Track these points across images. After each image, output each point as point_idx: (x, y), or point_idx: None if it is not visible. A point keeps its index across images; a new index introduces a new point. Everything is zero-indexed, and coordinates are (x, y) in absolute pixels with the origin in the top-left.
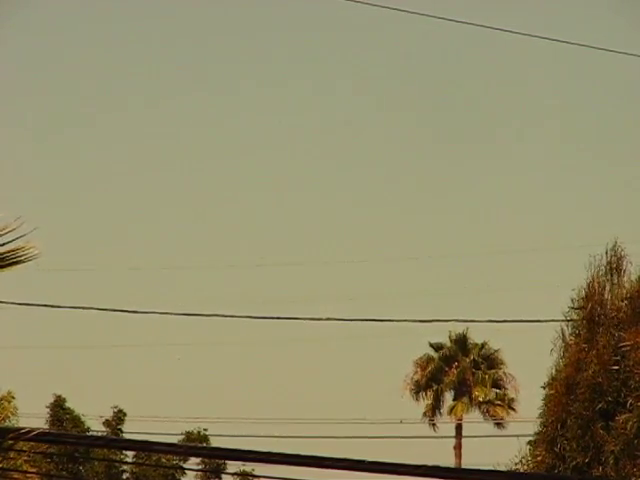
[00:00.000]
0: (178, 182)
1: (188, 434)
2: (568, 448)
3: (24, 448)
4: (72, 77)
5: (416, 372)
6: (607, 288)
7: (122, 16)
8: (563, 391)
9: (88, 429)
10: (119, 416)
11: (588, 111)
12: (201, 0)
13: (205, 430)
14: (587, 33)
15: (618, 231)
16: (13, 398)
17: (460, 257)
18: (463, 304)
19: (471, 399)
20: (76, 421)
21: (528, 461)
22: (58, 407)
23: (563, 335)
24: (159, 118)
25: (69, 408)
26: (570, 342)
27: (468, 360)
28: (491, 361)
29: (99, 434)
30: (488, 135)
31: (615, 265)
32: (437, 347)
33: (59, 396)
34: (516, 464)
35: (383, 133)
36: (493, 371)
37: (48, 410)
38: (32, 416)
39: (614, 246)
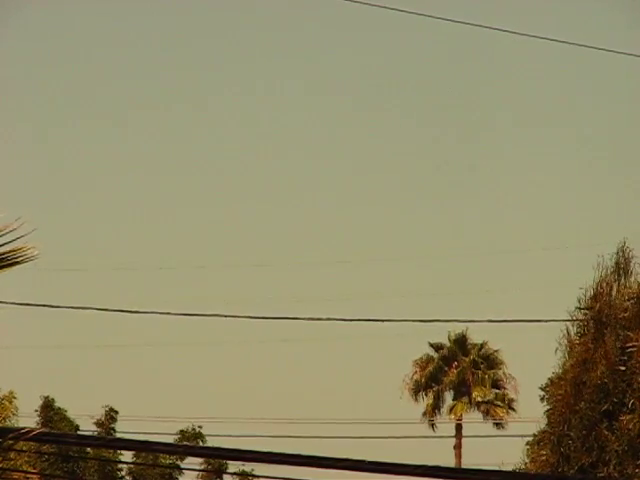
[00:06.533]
0: (178, 182)
1: (182, 432)
2: (573, 448)
3: (24, 448)
4: (72, 78)
5: (416, 372)
6: (614, 289)
7: (121, 16)
8: (570, 391)
9: (77, 427)
10: (111, 415)
11: (590, 111)
12: (199, 1)
13: (200, 427)
14: (587, 33)
15: (625, 233)
16: (15, 398)
17: (460, 257)
18: (463, 304)
19: (470, 399)
20: (66, 421)
21: (531, 461)
22: (48, 408)
23: (568, 334)
24: (158, 119)
25: (59, 408)
26: (575, 342)
27: (468, 360)
28: (491, 361)
29: (95, 434)
30: (490, 135)
31: (622, 266)
32: (437, 347)
33: (47, 397)
34: (525, 464)
35: (383, 133)
36: (493, 371)
37: (37, 412)
38: (33, 416)
39: (622, 247)
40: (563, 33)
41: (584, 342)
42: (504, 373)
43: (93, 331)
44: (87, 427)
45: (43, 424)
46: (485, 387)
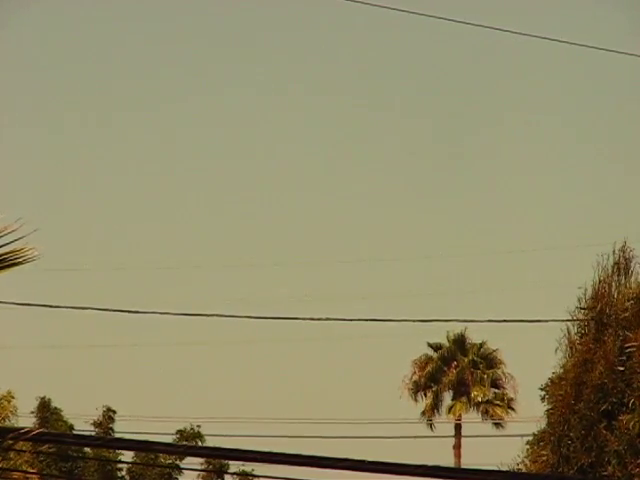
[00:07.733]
0: (178, 182)
1: (181, 432)
2: (572, 448)
3: (24, 448)
4: (72, 78)
5: (415, 372)
6: (613, 288)
7: (122, 16)
8: (570, 391)
9: (72, 427)
10: (109, 414)
11: (591, 111)
12: (198, 0)
13: (198, 427)
14: (587, 33)
15: (625, 233)
16: (13, 398)
17: (460, 257)
18: (462, 304)
19: (469, 399)
20: (63, 422)
21: (531, 460)
22: (44, 408)
23: (569, 334)
24: (159, 119)
25: (55, 408)
26: (576, 342)
27: (467, 360)
28: (490, 361)
29: (94, 434)
30: (490, 135)
31: (623, 265)
32: (436, 347)
33: (43, 397)
34: (518, 464)
35: (383, 133)
36: (492, 371)
37: (34, 414)
38: (30, 416)
39: (622, 247)
40: (563, 33)
41: (585, 342)
42: (503, 373)
43: (93, 331)
44: (85, 428)
45: (40, 424)
46: (484, 387)
